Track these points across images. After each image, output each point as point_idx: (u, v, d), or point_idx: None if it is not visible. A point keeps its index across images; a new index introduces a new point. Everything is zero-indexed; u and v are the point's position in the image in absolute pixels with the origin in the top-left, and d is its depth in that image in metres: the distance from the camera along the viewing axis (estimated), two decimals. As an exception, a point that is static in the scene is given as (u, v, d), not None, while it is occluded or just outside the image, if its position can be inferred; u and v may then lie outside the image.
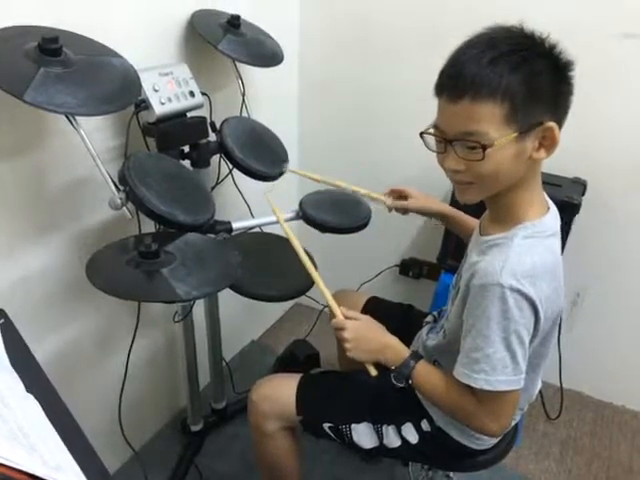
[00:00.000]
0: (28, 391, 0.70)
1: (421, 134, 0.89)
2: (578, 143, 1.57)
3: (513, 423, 1.09)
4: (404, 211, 1.32)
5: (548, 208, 0.93)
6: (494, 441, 1.09)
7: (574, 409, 1.88)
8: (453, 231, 1.31)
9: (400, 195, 1.31)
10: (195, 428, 1.61)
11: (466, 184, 0.88)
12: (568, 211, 1.45)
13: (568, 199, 1.44)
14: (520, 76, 0.77)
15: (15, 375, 0.72)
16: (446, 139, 0.84)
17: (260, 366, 1.95)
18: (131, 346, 1.29)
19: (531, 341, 0.87)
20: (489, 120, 0.78)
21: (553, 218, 0.93)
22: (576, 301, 1.81)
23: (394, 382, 0.99)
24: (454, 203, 1.50)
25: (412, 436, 1.10)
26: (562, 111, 0.83)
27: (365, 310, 1.40)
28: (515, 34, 0.81)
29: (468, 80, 0.78)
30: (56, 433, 0.64)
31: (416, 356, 0.99)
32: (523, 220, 0.89)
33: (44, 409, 0.68)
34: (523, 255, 0.85)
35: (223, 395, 1.70)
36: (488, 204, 0.96)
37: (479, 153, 0.80)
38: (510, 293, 0.82)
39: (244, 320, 1.97)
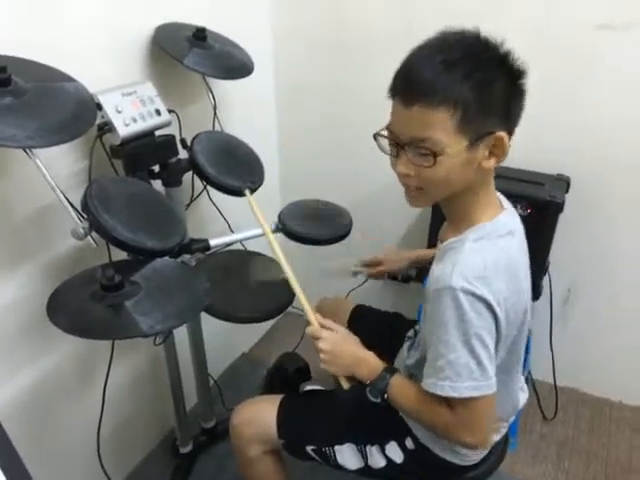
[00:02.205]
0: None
1: (374, 136, 0.87)
2: (561, 139, 1.55)
3: (498, 436, 1.06)
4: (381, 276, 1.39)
5: (504, 209, 0.92)
6: (480, 456, 1.06)
7: (570, 407, 1.86)
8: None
9: (375, 264, 1.39)
10: (184, 450, 1.58)
11: (415, 190, 0.86)
12: (552, 210, 1.43)
13: (552, 198, 1.42)
14: (473, 84, 0.75)
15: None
16: (399, 143, 0.83)
17: (251, 380, 1.92)
18: (107, 374, 1.25)
19: (496, 345, 0.85)
20: (441, 127, 0.77)
21: (509, 217, 0.91)
22: (567, 298, 1.79)
23: (369, 397, 0.96)
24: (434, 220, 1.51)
25: (397, 455, 1.07)
26: (514, 120, 0.83)
27: (352, 319, 1.38)
28: (469, 39, 0.79)
29: (422, 86, 0.76)
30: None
31: (391, 370, 0.96)
32: (475, 223, 0.87)
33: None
34: (473, 256, 0.83)
35: (212, 413, 1.67)
36: (443, 207, 0.94)
37: (430, 160, 0.79)
38: (463, 295, 0.80)
39: (233, 333, 1.93)
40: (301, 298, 1.05)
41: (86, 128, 0.93)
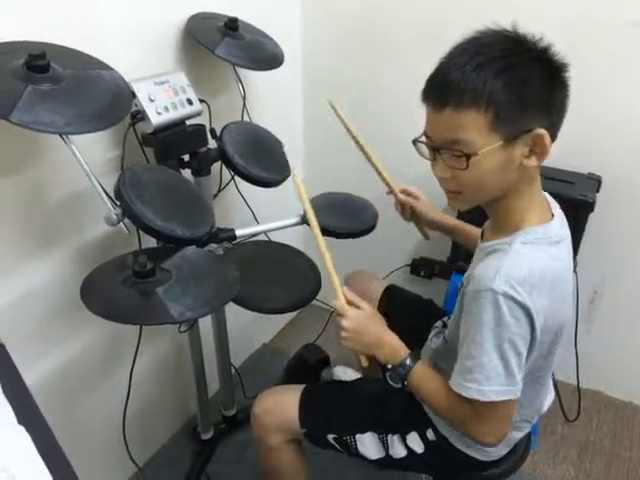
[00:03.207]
0: (19, 422, 0.69)
1: (414, 141, 0.87)
2: (591, 137, 1.52)
3: (521, 434, 1.05)
4: (407, 216, 1.30)
5: (553, 215, 0.89)
6: (502, 452, 1.05)
7: (593, 410, 1.84)
8: (460, 243, 1.27)
9: (410, 195, 1.30)
10: (205, 436, 1.60)
11: (454, 193, 0.86)
12: (582, 210, 1.41)
13: (582, 197, 1.40)
14: (504, 82, 0.74)
15: (6, 404, 0.71)
16: (434, 147, 0.82)
17: (271, 370, 1.93)
18: (134, 358, 1.28)
19: (529, 353, 0.84)
20: (473, 128, 0.76)
21: (559, 225, 0.89)
22: (593, 299, 1.76)
23: (389, 381, 0.96)
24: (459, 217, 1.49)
25: (417, 445, 1.07)
26: (555, 116, 0.80)
27: (383, 298, 1.38)
28: (506, 38, 0.78)
29: (451, 88, 0.76)
30: (46, 468, 0.62)
31: (414, 357, 0.95)
32: (523, 226, 0.85)
33: (34, 441, 0.66)
34: (520, 261, 0.82)
35: (233, 402, 1.69)
36: (487, 210, 0.93)
37: (463, 162, 0.79)
38: (503, 300, 0.79)
39: (255, 323, 1.95)
40: (329, 268, 1.01)
41: (122, 116, 0.95)
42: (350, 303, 0.99)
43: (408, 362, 0.94)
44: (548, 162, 1.45)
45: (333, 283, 1.01)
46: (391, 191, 1.30)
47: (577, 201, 1.38)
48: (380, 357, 0.97)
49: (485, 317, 0.80)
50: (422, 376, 0.94)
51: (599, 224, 1.53)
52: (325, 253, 1.02)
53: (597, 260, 1.66)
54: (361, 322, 0.97)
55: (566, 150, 1.54)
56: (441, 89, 0.78)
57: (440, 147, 0.81)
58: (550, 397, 1.09)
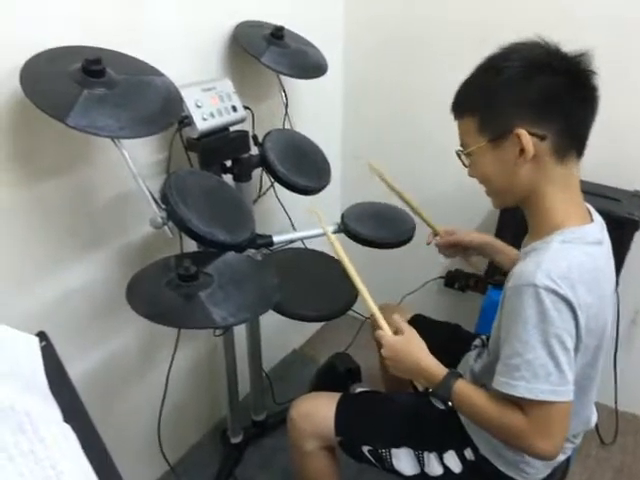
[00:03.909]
0: (65, 420, 0.70)
1: (457, 152, 0.95)
2: (637, 154, 1.48)
3: (563, 456, 1.02)
4: (450, 253, 1.31)
5: (592, 220, 0.90)
6: (542, 475, 1.03)
7: (630, 433, 1.78)
8: (495, 261, 1.25)
9: (448, 233, 1.33)
10: (235, 440, 1.61)
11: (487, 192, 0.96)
12: (629, 228, 1.38)
13: (629, 215, 1.36)
14: (479, 90, 0.87)
15: (54, 403, 0.72)
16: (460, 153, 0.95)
17: (301, 377, 1.93)
18: (172, 359, 1.29)
19: (575, 354, 0.82)
20: (468, 132, 0.89)
21: (597, 228, 0.90)
22: (635, 319, 1.71)
23: (435, 403, 0.95)
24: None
25: (455, 465, 1.05)
26: (549, 117, 0.82)
27: None
28: (525, 48, 0.84)
29: (457, 99, 0.91)
30: (91, 468, 0.63)
31: (454, 375, 0.93)
32: (561, 227, 0.86)
33: (79, 439, 0.67)
34: (559, 257, 0.82)
35: (263, 407, 1.69)
36: (526, 216, 0.94)
37: (467, 161, 0.93)
38: (546, 294, 0.78)
39: (286, 329, 1.96)
40: (370, 304, 1.03)
41: (173, 121, 0.97)
42: (394, 330, 1.00)
43: (449, 381, 0.92)
44: (594, 178, 1.45)
45: (375, 315, 1.03)
46: (434, 233, 1.34)
47: (623, 219, 1.35)
48: (421, 381, 0.97)
49: (528, 312, 0.79)
50: (465, 393, 0.91)
51: (644, 243, 1.49)
52: (370, 302, 1.04)
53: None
54: (398, 350, 0.98)
55: (612, 167, 1.52)
56: (454, 101, 0.92)
57: (461, 152, 0.93)
58: (594, 417, 1.05)
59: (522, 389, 0.80)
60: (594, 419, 1.05)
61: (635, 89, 1.37)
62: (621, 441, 1.74)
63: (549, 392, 0.79)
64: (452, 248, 1.29)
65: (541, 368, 0.79)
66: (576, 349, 0.82)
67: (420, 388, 0.99)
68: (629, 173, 1.48)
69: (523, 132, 0.82)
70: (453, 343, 1.27)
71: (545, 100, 0.82)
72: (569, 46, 0.83)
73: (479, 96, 0.87)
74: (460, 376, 0.94)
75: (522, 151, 0.83)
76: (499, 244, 1.24)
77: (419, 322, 1.37)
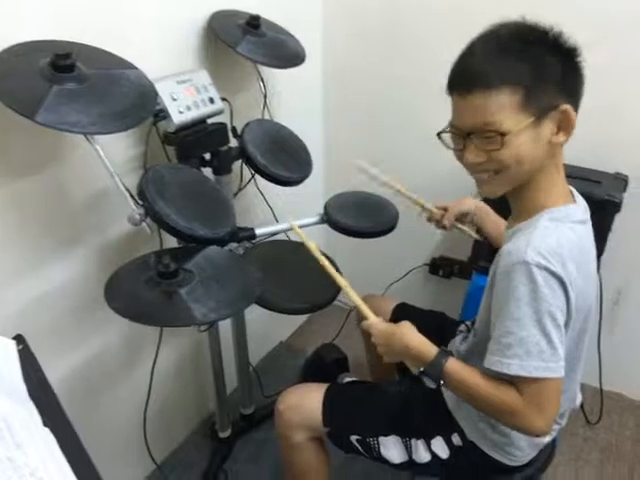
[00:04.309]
0: (45, 424, 0.68)
1: (438, 134, 0.89)
2: (618, 136, 1.49)
3: (549, 438, 1.03)
4: (444, 222, 1.28)
5: (575, 201, 0.91)
6: (529, 457, 1.04)
7: (615, 413, 1.81)
8: (487, 234, 1.25)
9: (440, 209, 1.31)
10: (223, 434, 1.60)
11: (492, 174, 0.86)
12: (610, 209, 1.38)
13: (609, 197, 1.37)
14: (527, 63, 0.78)
15: (33, 407, 0.71)
16: (463, 134, 0.84)
17: (288, 369, 1.93)
18: (156, 356, 1.28)
19: (566, 327, 0.83)
20: (503, 109, 0.79)
21: (580, 209, 0.91)
22: (617, 300, 1.73)
23: (426, 383, 0.95)
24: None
25: (442, 451, 1.06)
26: (574, 95, 0.83)
27: (394, 317, 1.36)
28: (520, 27, 0.81)
29: (477, 72, 0.79)
30: (71, 471, 0.62)
31: (445, 354, 0.92)
32: (547, 206, 0.87)
33: (59, 443, 0.66)
34: (549, 235, 0.83)
35: (251, 400, 1.69)
36: (510, 199, 0.93)
37: (497, 142, 0.80)
38: (538, 270, 0.79)
39: (272, 322, 1.94)
40: (353, 297, 1.04)
41: (146, 115, 0.94)
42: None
43: (440, 359, 0.91)
44: (575, 161, 1.45)
45: (359, 307, 1.04)
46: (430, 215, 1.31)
47: (604, 201, 1.36)
48: (412, 363, 0.96)
49: (520, 290, 0.80)
50: (457, 370, 0.90)
51: (625, 224, 1.50)
52: (354, 296, 1.05)
53: (622, 261, 1.63)
54: (387, 335, 0.98)
55: (593, 149, 1.53)
56: (466, 76, 0.81)
57: (471, 131, 0.83)
58: (579, 396, 1.06)
59: (516, 367, 0.81)
60: (579, 398, 1.06)
61: (615, 73, 1.37)
62: (606, 420, 1.77)
63: (542, 369, 0.80)
64: (444, 218, 1.28)
65: (534, 345, 0.80)
66: (566, 325, 0.83)
67: (415, 371, 0.97)
68: (609, 155, 1.49)
69: (569, 107, 0.80)
70: (438, 331, 1.27)
71: (568, 75, 0.81)
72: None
73: (527, 67, 0.78)
74: (451, 354, 0.93)
75: (559, 129, 0.82)
76: (491, 211, 1.24)
77: (403, 310, 1.37)
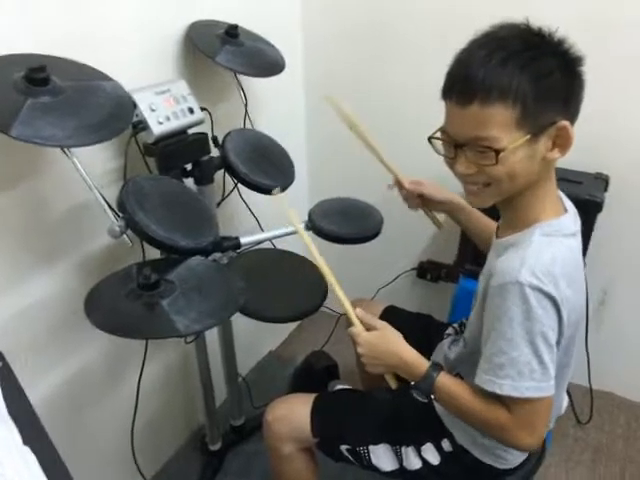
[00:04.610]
0: (25, 443, 0.67)
1: (429, 139, 0.87)
2: (599, 136, 1.50)
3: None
4: (414, 204, 1.24)
5: (566, 210, 0.90)
6: (519, 460, 1.03)
7: (605, 411, 1.81)
8: (464, 228, 1.23)
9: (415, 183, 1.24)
10: (214, 447, 1.58)
11: (481, 186, 0.84)
12: (591, 210, 1.39)
13: (590, 197, 1.38)
14: (530, 76, 0.74)
15: (13, 426, 0.69)
16: (456, 143, 0.82)
17: (278, 378, 1.91)
18: (142, 370, 1.26)
19: (557, 345, 0.82)
20: (500, 124, 0.76)
21: (571, 219, 0.90)
22: (603, 299, 1.74)
23: (415, 396, 0.94)
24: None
25: (433, 457, 1.05)
26: (574, 108, 0.81)
27: (382, 320, 1.35)
28: (523, 32, 0.78)
29: (477, 83, 0.75)
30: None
31: (436, 368, 0.92)
32: (539, 220, 0.86)
33: (39, 461, 0.65)
34: (542, 251, 0.81)
35: (241, 411, 1.67)
36: (501, 208, 0.92)
37: (491, 157, 0.78)
38: (531, 291, 0.78)
39: (260, 331, 1.94)
40: (340, 297, 1.01)
41: (124, 127, 0.93)
42: (366, 325, 0.98)
43: (431, 374, 0.91)
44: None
45: (347, 310, 1.00)
46: (397, 182, 1.25)
47: (585, 201, 1.37)
48: (402, 374, 0.95)
49: (513, 311, 0.79)
50: (448, 385, 0.90)
51: (607, 224, 1.51)
52: (342, 297, 1.00)
53: (606, 260, 1.64)
54: (376, 345, 0.96)
55: (574, 149, 1.52)
56: (466, 85, 0.76)
57: (464, 143, 0.80)
58: (565, 399, 1.07)
59: (507, 387, 0.81)
60: (564, 407, 1.06)
61: (596, 73, 1.38)
62: (597, 419, 1.78)
63: (534, 389, 0.80)
64: (417, 199, 1.22)
65: (525, 366, 0.80)
66: (557, 343, 0.83)
67: (393, 386, 0.97)
68: (590, 156, 1.49)
69: (567, 124, 0.77)
70: (426, 333, 1.27)
71: (570, 88, 0.79)
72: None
73: (531, 81, 0.74)
74: (442, 368, 0.93)
75: (554, 145, 0.80)
76: (475, 213, 1.20)
77: (392, 313, 1.37)
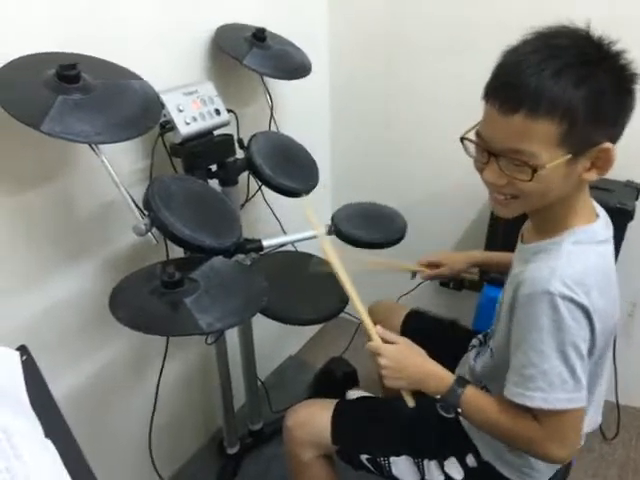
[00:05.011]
0: (46, 436, 0.67)
1: (462, 139, 0.83)
2: (630, 143, 1.45)
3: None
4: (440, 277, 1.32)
5: (597, 215, 0.87)
6: (547, 477, 1.00)
7: (632, 427, 1.76)
8: (490, 271, 1.25)
9: (434, 265, 1.32)
10: (231, 451, 1.58)
11: (509, 197, 0.81)
12: (621, 218, 1.36)
13: (621, 205, 1.35)
14: (584, 93, 0.70)
15: (35, 418, 0.70)
16: (491, 151, 0.77)
17: (298, 383, 1.90)
18: (161, 370, 1.27)
19: (589, 356, 0.80)
20: (543, 140, 0.72)
21: (604, 225, 0.87)
22: (632, 312, 1.69)
23: (441, 412, 0.92)
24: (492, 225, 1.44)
25: (456, 472, 1.02)
26: (620, 129, 0.76)
27: (406, 324, 1.34)
28: (581, 41, 0.74)
29: (527, 93, 0.70)
30: (72, 483, 0.60)
31: (462, 382, 0.90)
32: (571, 226, 0.82)
33: (61, 454, 0.64)
34: (574, 261, 0.78)
35: (260, 416, 1.66)
36: (530, 215, 0.90)
37: (527, 173, 0.74)
38: (562, 301, 0.75)
39: (281, 335, 1.93)
40: (360, 311, 1.00)
41: (151, 125, 0.94)
42: (385, 341, 0.96)
43: (457, 388, 0.89)
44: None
45: (366, 325, 0.98)
46: (414, 275, 1.34)
47: (616, 209, 1.34)
48: (426, 390, 0.92)
49: (544, 321, 0.76)
50: (475, 400, 0.88)
51: (638, 233, 1.47)
52: (358, 304, 0.99)
53: (636, 271, 1.59)
54: (399, 357, 0.94)
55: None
56: (515, 91, 0.71)
57: (500, 153, 0.76)
58: (600, 412, 1.03)
59: (539, 400, 0.78)
60: (600, 420, 1.02)
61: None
62: (624, 435, 1.72)
63: (565, 400, 0.78)
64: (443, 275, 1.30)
65: (557, 377, 0.77)
66: (590, 354, 0.80)
67: (410, 403, 0.94)
68: (620, 163, 1.45)
69: (612, 146, 0.74)
70: (450, 338, 1.25)
71: (622, 108, 0.74)
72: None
73: (584, 98, 0.69)
74: (467, 382, 0.90)
75: (592, 165, 0.76)
76: (488, 258, 1.23)
77: (415, 317, 1.35)
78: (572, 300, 0.75)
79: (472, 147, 0.83)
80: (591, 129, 0.72)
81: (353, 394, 1.72)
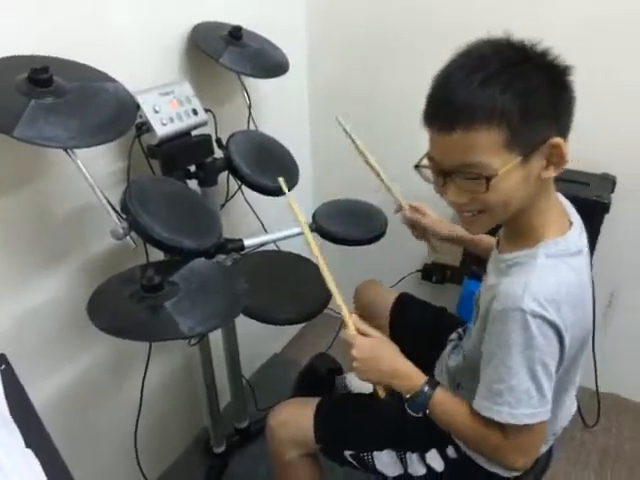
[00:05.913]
0: (27, 445, 0.67)
1: (416, 167, 0.84)
2: (605, 137, 1.49)
3: (546, 447, 1.02)
4: (416, 232, 1.29)
5: (571, 223, 0.86)
6: (526, 467, 1.02)
7: (612, 414, 1.79)
8: (470, 251, 1.25)
9: (417, 211, 1.28)
10: (218, 450, 1.58)
11: (476, 214, 0.82)
12: (598, 211, 1.39)
13: (597, 198, 1.37)
14: (513, 95, 0.70)
15: (15, 427, 0.69)
16: (444, 171, 0.78)
17: (283, 381, 1.89)
18: (145, 372, 1.26)
19: (557, 370, 0.81)
20: (488, 149, 0.72)
21: (577, 234, 0.86)
22: (610, 302, 1.72)
23: (409, 412, 0.92)
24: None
25: (437, 464, 1.04)
26: (565, 122, 0.77)
27: (395, 308, 1.34)
28: (504, 48, 0.75)
29: (460, 108, 0.71)
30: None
31: (432, 383, 0.90)
32: (544, 237, 0.82)
33: (42, 464, 0.64)
34: (546, 276, 0.78)
35: (245, 414, 1.67)
36: (503, 224, 0.90)
37: (482, 184, 0.74)
38: (533, 319, 0.75)
39: (265, 334, 1.92)
40: (338, 300, 0.99)
41: (127, 128, 0.93)
42: (361, 332, 0.94)
43: (426, 390, 0.89)
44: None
45: (343, 314, 0.96)
46: (399, 209, 1.30)
47: (592, 202, 1.36)
48: (396, 387, 0.92)
49: (514, 338, 0.77)
50: (444, 403, 0.89)
51: (614, 225, 1.50)
52: (336, 293, 0.98)
53: (613, 262, 1.62)
54: (372, 350, 0.92)
55: (579, 150, 1.52)
56: (447, 110, 0.73)
57: (451, 171, 0.77)
58: (574, 407, 1.05)
59: (505, 415, 0.80)
60: (573, 411, 1.04)
61: (595, 71, 1.38)
62: (604, 422, 1.76)
63: (530, 415, 0.79)
64: (420, 230, 1.26)
65: (524, 393, 0.78)
66: (557, 367, 0.81)
67: (381, 395, 0.94)
68: (596, 156, 1.49)
69: (560, 140, 0.74)
70: (440, 323, 1.26)
71: (557, 102, 0.75)
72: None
73: (515, 100, 0.70)
74: (437, 384, 0.91)
75: (548, 162, 0.76)
76: (469, 236, 1.21)
77: (404, 301, 1.35)
78: (543, 318, 0.75)
79: (429, 173, 0.83)
80: (532, 127, 0.72)
81: (344, 380, 1.71)
